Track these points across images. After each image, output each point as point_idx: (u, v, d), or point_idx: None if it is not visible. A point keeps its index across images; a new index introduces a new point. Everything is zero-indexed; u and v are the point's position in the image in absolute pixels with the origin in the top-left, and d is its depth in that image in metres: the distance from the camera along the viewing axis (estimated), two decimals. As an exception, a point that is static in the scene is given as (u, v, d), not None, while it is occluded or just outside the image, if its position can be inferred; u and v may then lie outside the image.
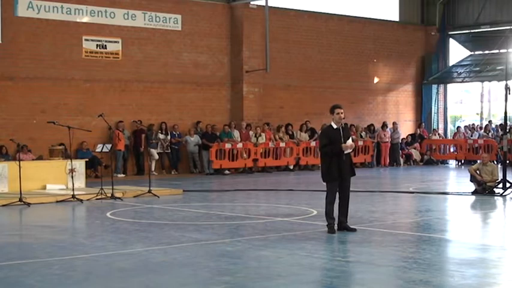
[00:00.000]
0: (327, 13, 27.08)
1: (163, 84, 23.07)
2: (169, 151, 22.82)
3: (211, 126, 23.28)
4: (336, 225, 10.35)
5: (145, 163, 21.90)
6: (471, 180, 15.94)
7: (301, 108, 26.12)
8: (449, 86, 31.07)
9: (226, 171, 22.83)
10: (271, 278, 7.52)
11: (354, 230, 10.38)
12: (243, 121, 23.99)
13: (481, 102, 31.22)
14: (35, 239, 10.37)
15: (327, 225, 10.35)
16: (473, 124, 29.33)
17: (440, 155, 27.99)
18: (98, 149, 16.81)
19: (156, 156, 22.40)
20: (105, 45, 21.84)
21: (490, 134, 27.29)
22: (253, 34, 24.44)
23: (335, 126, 10.40)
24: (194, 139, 23.07)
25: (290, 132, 24.77)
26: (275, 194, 16.55)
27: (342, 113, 10.36)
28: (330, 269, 7.95)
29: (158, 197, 15.58)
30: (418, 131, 28.42)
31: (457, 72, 30.29)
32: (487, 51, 29.73)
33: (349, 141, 10.36)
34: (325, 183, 10.50)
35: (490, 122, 29.26)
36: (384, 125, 26.74)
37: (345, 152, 10.30)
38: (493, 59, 28.85)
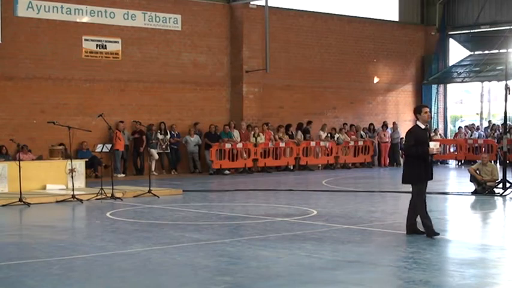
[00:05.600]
0: (327, 13, 27.08)
1: (163, 84, 23.06)
2: (169, 151, 22.82)
3: (215, 127, 23.28)
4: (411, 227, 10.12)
5: (145, 163, 21.91)
6: (471, 180, 15.94)
7: (301, 108, 26.11)
8: (449, 86, 31.06)
9: (226, 171, 22.83)
10: (271, 278, 7.52)
11: (423, 232, 10.05)
12: (242, 121, 23.97)
13: (481, 102, 31.24)
14: (35, 239, 10.36)
15: (428, 230, 9.95)
16: (472, 124, 29.31)
17: (440, 155, 27.95)
18: (98, 149, 16.81)
19: (156, 156, 22.40)
20: (105, 45, 21.84)
21: (495, 134, 27.20)
22: (253, 34, 24.43)
23: (422, 127, 10.15)
24: (194, 139, 23.07)
25: (290, 133, 24.77)
26: (275, 194, 16.54)
27: (429, 113, 10.22)
28: (330, 269, 7.95)
29: (158, 197, 15.57)
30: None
31: (456, 72, 30.28)
32: (486, 51, 29.73)
33: (434, 143, 10.19)
34: (409, 185, 10.15)
35: (489, 122, 29.27)
36: (384, 125, 26.75)
37: (431, 154, 10.06)
38: (492, 59, 28.85)
